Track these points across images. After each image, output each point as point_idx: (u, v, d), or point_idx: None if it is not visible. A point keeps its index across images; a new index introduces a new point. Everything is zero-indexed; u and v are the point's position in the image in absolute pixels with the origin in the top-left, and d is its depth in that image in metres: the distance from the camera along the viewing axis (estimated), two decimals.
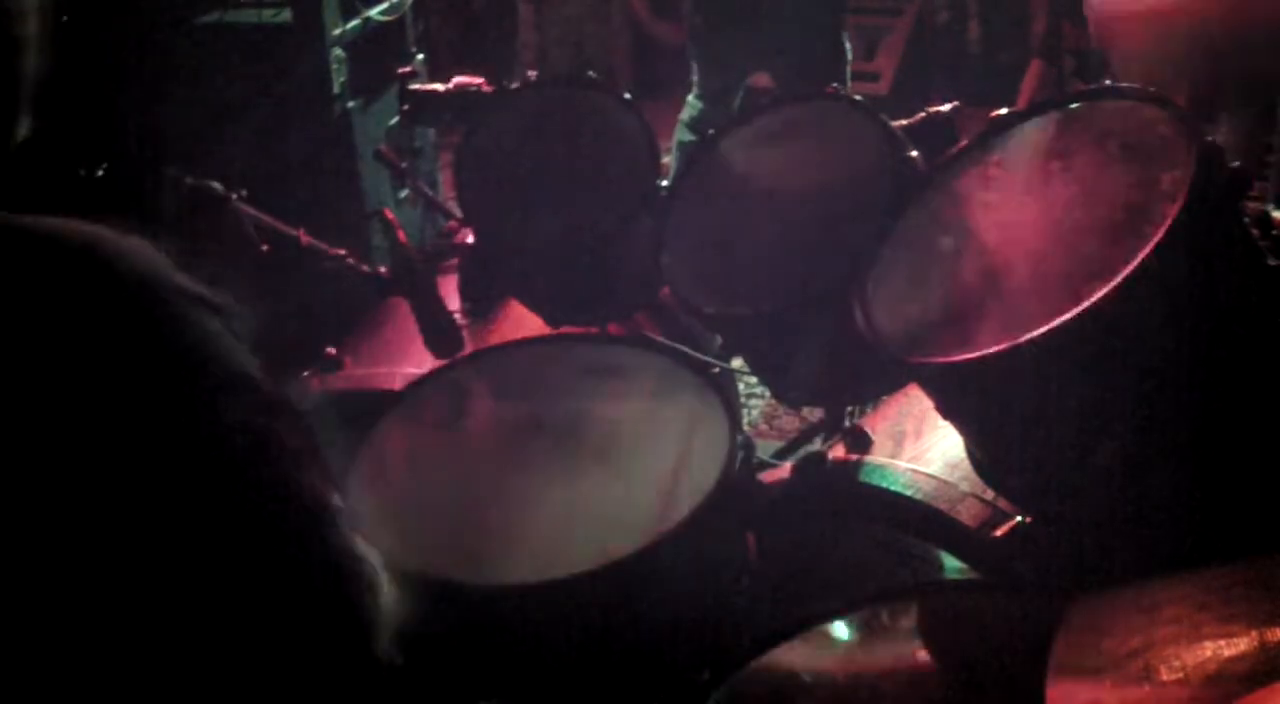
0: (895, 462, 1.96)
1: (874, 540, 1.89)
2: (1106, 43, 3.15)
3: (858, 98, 2.09)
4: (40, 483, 0.85)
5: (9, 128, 0.98)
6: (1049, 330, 1.49)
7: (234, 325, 0.95)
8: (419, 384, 1.96)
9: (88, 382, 0.87)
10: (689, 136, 4.04)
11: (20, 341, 0.87)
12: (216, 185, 2.37)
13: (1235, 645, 1.20)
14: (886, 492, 1.91)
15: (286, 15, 3.62)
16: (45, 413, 0.86)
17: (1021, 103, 4.28)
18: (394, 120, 3.79)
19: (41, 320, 0.87)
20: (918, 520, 1.85)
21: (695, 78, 4.11)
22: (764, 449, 2.51)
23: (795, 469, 2.04)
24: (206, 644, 0.90)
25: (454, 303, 2.43)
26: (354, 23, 3.71)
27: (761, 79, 4.17)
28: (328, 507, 0.95)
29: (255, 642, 0.91)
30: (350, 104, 3.67)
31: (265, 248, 2.34)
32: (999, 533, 1.76)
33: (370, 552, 0.98)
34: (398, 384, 2.01)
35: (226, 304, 0.95)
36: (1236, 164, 1.54)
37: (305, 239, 2.43)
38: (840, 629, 1.71)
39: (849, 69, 4.00)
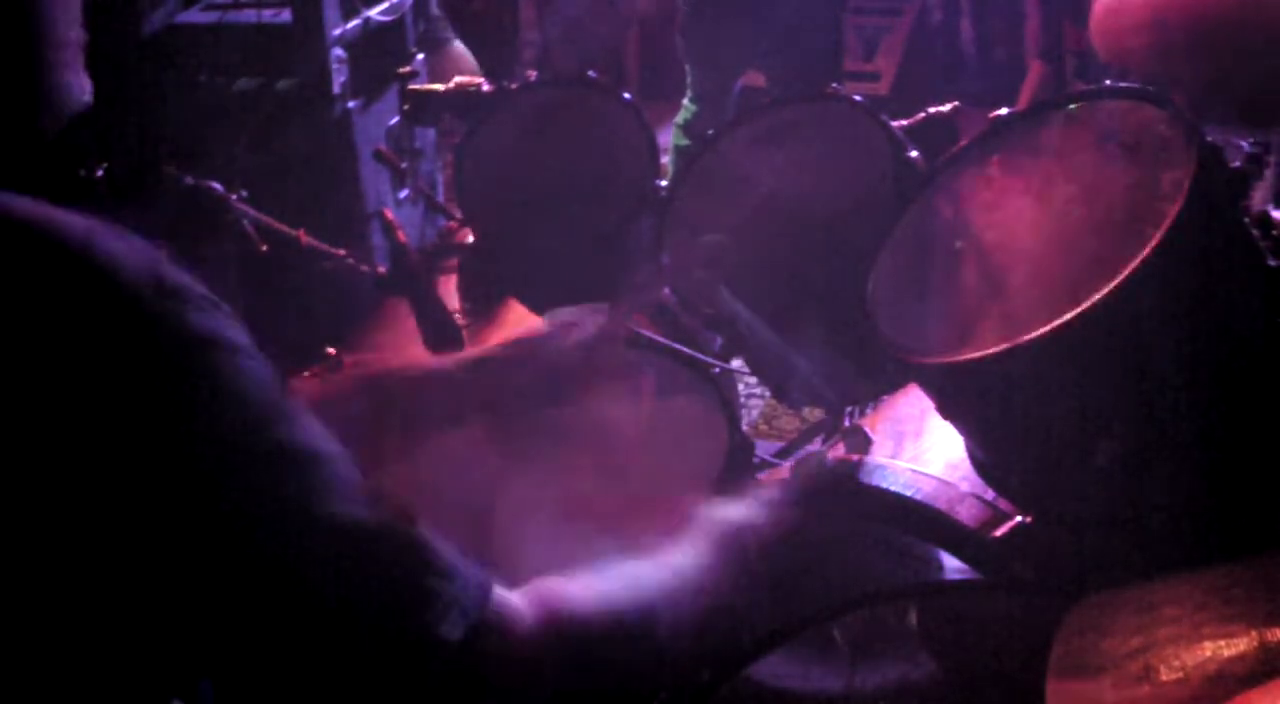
0: (895, 462, 1.96)
1: (874, 540, 1.88)
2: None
3: (858, 98, 2.09)
4: (20, 472, 0.86)
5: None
6: (1049, 330, 1.49)
7: (235, 325, 0.95)
8: None
9: (71, 382, 0.86)
10: (684, 141, 4.03)
11: (9, 336, 0.86)
12: (216, 185, 2.37)
13: (1235, 645, 1.21)
14: (886, 492, 1.90)
15: (286, 15, 3.62)
16: (28, 408, 0.86)
17: (1022, 103, 4.28)
18: (394, 120, 3.80)
19: (30, 316, 0.87)
20: (918, 520, 1.85)
21: (689, 78, 4.10)
22: (764, 449, 2.50)
23: (795, 469, 2.03)
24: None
25: (454, 303, 2.42)
26: (354, 23, 3.71)
27: (755, 78, 4.15)
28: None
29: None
30: (350, 104, 3.67)
31: (265, 248, 2.34)
32: (999, 533, 1.76)
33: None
34: None
35: (224, 304, 0.95)
36: (1236, 164, 1.54)
37: (305, 239, 2.44)
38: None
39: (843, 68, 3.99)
